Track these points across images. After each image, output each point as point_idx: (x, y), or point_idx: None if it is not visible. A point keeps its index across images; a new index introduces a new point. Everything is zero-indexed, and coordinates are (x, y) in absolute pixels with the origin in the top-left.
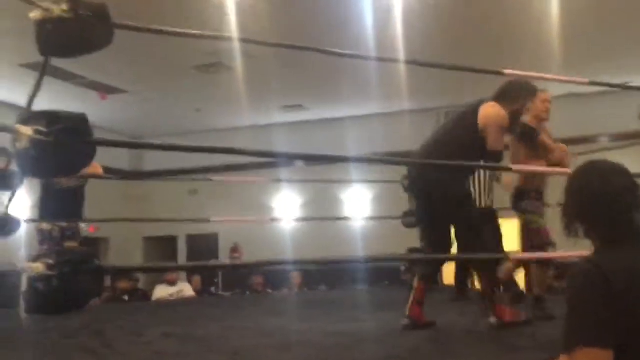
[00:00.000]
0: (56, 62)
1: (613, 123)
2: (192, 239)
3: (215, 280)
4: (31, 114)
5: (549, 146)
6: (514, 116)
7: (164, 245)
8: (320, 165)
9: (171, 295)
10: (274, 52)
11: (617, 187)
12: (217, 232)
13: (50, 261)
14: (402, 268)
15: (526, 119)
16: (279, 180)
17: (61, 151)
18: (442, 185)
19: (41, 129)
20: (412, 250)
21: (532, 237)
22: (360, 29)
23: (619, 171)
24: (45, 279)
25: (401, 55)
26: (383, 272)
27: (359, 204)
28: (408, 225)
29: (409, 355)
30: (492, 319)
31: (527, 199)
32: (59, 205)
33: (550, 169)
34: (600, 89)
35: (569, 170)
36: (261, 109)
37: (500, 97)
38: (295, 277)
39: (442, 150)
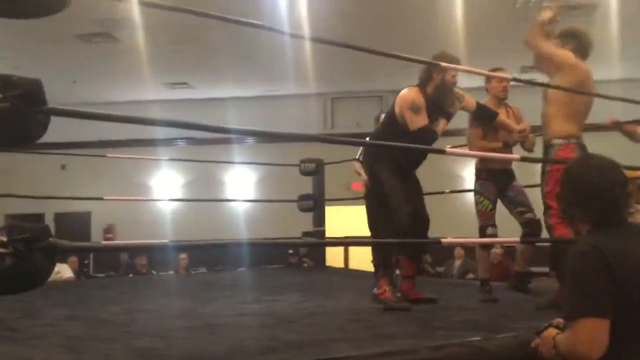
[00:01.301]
0: None
1: None
2: (61, 217)
3: (86, 262)
4: None
5: (508, 126)
6: (438, 91)
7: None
8: (204, 145)
9: None
10: (164, 26)
11: (611, 180)
12: (90, 211)
13: (3, 238)
14: (290, 251)
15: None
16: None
17: (17, 119)
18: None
19: None
20: (307, 234)
21: (478, 217)
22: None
23: (613, 166)
24: None
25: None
26: (264, 255)
27: (242, 186)
28: (304, 209)
29: (342, 333)
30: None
31: (478, 179)
32: None
33: (485, 154)
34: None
35: (512, 156)
36: (144, 85)
37: (418, 81)
38: (183, 259)
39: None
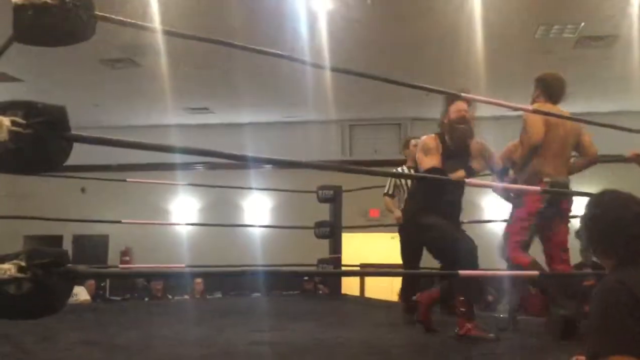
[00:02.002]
0: None
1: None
2: (79, 239)
3: (103, 284)
4: (7, 104)
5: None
6: (451, 133)
7: (47, 245)
8: (221, 169)
9: None
10: (186, 53)
11: (635, 214)
12: (108, 234)
13: (22, 263)
14: (306, 278)
15: None
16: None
17: (40, 145)
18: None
19: (19, 120)
20: (322, 261)
21: None
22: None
23: (633, 201)
24: (16, 281)
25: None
26: (280, 281)
27: (259, 211)
28: (321, 236)
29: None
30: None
31: None
32: None
33: (506, 185)
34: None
35: (535, 188)
36: (165, 109)
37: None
38: (198, 283)
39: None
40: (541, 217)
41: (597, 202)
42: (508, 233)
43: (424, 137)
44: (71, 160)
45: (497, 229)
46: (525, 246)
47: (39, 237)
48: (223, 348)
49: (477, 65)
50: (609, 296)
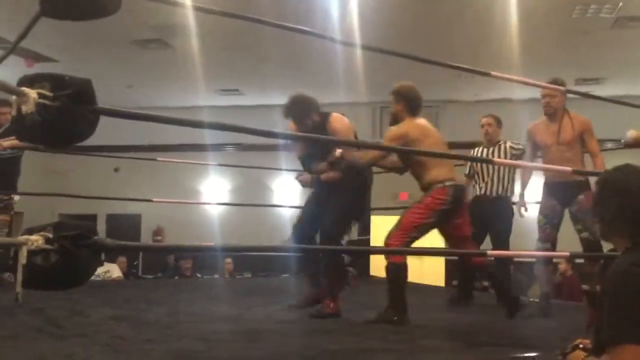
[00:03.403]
0: None
1: None
2: (112, 218)
3: (135, 263)
4: (34, 76)
5: None
6: None
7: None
8: (251, 151)
9: (98, 275)
10: (217, 33)
11: None
12: (140, 213)
13: (50, 235)
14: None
15: None
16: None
17: (67, 118)
18: None
19: (46, 92)
20: (352, 242)
21: None
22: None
23: None
24: (43, 252)
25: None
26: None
27: (288, 192)
28: None
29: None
30: None
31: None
32: None
33: (525, 164)
34: (528, 95)
35: (564, 168)
36: (196, 91)
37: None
38: (228, 263)
39: None
40: (440, 217)
41: (616, 177)
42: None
43: None
44: (105, 140)
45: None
46: (410, 243)
47: (73, 216)
48: (250, 325)
49: (511, 46)
50: (623, 280)
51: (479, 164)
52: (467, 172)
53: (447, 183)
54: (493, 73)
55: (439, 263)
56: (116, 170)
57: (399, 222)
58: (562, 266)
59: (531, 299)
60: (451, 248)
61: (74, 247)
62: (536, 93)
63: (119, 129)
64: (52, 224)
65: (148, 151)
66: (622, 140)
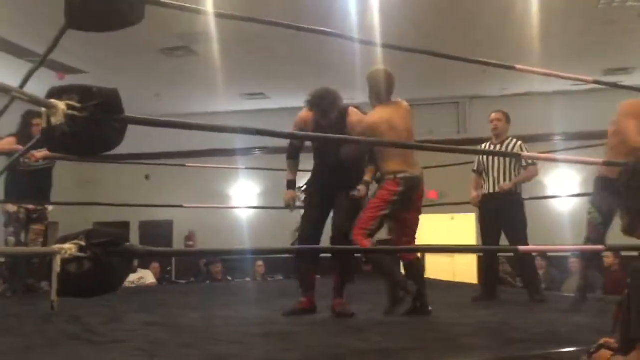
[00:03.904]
0: (13, 38)
1: (569, 123)
2: (145, 225)
3: (169, 268)
4: (63, 88)
5: None
6: None
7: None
8: (279, 154)
9: (131, 282)
10: (240, 38)
11: None
12: (172, 219)
13: (82, 243)
14: (364, 259)
15: None
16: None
17: (95, 128)
18: None
19: (74, 104)
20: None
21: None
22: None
23: None
24: (76, 260)
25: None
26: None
27: None
28: None
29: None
30: None
31: (595, 188)
32: (25, 187)
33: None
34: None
35: (596, 161)
36: (222, 96)
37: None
38: (259, 266)
39: None
40: (394, 207)
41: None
42: (358, 222)
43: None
44: (136, 149)
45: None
46: (371, 235)
47: (107, 224)
48: (283, 327)
49: (537, 38)
50: None
51: (485, 160)
52: (475, 168)
53: (400, 175)
54: (517, 66)
55: (472, 261)
56: (147, 177)
57: (359, 218)
58: (609, 260)
59: (565, 294)
60: (396, 237)
61: (106, 255)
62: (565, 85)
63: (149, 137)
64: (84, 232)
65: (178, 157)
66: None
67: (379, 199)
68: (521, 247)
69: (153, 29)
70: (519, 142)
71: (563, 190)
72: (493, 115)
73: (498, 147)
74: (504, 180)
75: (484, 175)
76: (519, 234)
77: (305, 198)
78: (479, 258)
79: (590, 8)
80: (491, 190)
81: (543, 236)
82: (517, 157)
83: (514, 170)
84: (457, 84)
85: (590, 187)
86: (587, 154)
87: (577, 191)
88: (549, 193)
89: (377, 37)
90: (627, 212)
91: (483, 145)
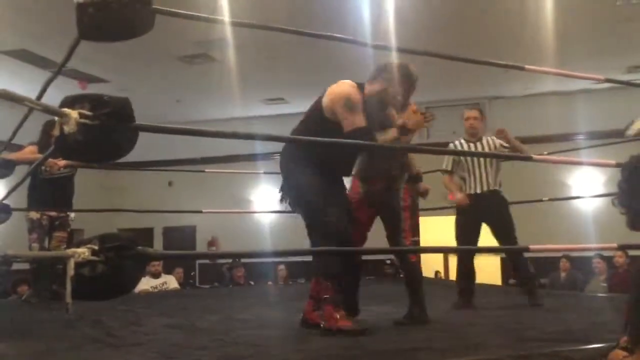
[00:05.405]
0: (34, 48)
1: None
2: (168, 231)
3: (192, 274)
4: (75, 97)
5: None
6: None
7: (140, 238)
8: None
9: (154, 287)
10: (258, 44)
11: None
12: (195, 225)
13: (95, 246)
14: (388, 262)
15: None
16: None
17: (107, 135)
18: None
19: (86, 112)
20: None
21: None
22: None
23: None
24: (90, 264)
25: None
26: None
27: None
28: None
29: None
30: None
31: None
32: (47, 195)
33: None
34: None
35: (609, 162)
36: (243, 102)
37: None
38: (281, 270)
39: None
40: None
41: None
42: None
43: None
44: (159, 155)
45: (583, 206)
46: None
47: (131, 230)
48: (300, 329)
49: (556, 37)
50: None
51: (465, 159)
52: (445, 166)
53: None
54: (527, 67)
55: (495, 262)
56: (170, 184)
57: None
58: (622, 259)
59: (589, 294)
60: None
61: (119, 258)
62: (587, 84)
63: (172, 144)
64: (98, 236)
65: (201, 164)
66: (628, 132)
67: (351, 200)
68: (532, 247)
69: (171, 37)
70: (498, 141)
71: (587, 191)
72: (470, 113)
73: (478, 145)
74: (488, 178)
75: (466, 175)
76: (512, 234)
77: None
78: (502, 259)
79: (609, 6)
80: (478, 191)
81: (566, 237)
82: (529, 159)
83: (500, 169)
84: (478, 85)
85: (613, 187)
86: (609, 152)
87: (601, 191)
88: (573, 194)
89: (393, 41)
90: (629, 209)
91: (457, 144)
